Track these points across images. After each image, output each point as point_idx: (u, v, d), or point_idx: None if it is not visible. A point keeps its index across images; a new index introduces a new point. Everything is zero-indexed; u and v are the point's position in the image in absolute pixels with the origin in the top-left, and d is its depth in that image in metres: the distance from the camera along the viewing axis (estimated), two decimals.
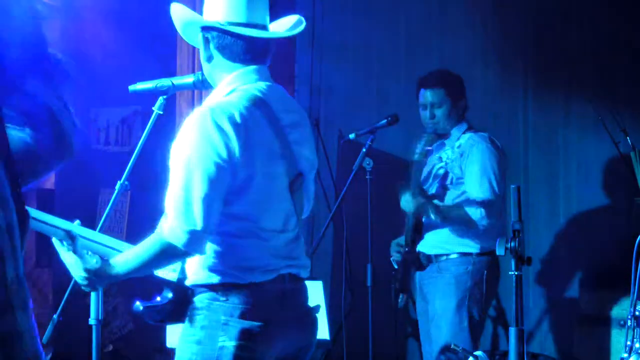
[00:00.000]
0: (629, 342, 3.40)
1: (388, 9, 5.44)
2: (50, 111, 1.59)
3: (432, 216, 4.14)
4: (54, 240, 2.58)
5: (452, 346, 3.82)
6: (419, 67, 4.83)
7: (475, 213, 4.11)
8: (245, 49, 2.56)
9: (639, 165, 4.11)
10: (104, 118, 6.19)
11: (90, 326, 2.73)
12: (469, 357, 3.69)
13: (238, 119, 2.43)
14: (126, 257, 2.51)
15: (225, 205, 2.45)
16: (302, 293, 2.62)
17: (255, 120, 2.48)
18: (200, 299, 2.49)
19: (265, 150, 2.50)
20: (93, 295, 2.70)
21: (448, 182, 4.25)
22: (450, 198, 4.24)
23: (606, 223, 4.95)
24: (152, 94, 2.78)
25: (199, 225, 2.38)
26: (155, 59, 5.17)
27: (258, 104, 2.51)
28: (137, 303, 2.61)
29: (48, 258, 6.79)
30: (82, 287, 2.57)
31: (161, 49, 5.24)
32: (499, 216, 4.19)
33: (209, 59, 2.58)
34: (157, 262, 2.48)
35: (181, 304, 2.54)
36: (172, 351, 3.47)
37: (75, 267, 2.53)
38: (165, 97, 2.76)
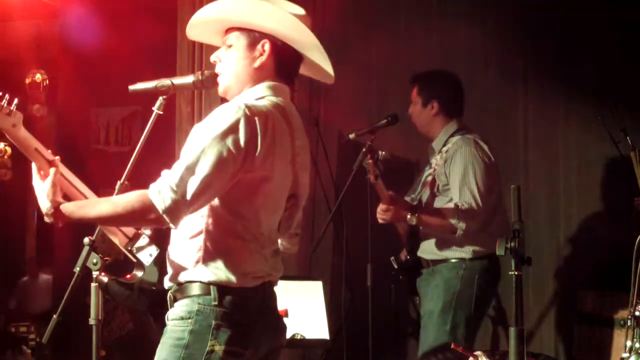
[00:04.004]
0: (629, 342, 3.40)
1: (388, 9, 5.44)
2: None
3: (409, 220, 4.14)
4: (33, 166, 2.63)
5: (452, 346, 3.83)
6: (419, 67, 4.82)
7: (454, 218, 4.10)
8: (297, 69, 2.67)
9: (639, 165, 4.10)
10: (104, 118, 6.19)
11: (91, 326, 2.73)
12: (468, 357, 3.69)
13: (269, 122, 2.48)
14: (100, 201, 2.54)
15: (236, 203, 2.47)
16: (275, 298, 2.65)
17: (281, 130, 2.53)
18: (190, 302, 2.48)
19: (283, 160, 2.54)
20: (93, 295, 2.70)
21: (435, 189, 4.25)
22: (438, 205, 4.24)
23: (606, 223, 4.94)
24: (152, 94, 2.78)
25: (187, 196, 2.38)
26: (155, 59, 5.16)
27: (284, 118, 2.56)
28: (102, 274, 2.64)
29: (48, 258, 6.80)
30: (45, 218, 2.57)
31: (161, 48, 5.24)
32: (484, 222, 4.14)
33: (261, 64, 2.60)
34: (129, 216, 2.46)
35: (154, 295, 2.56)
36: None
37: (46, 196, 2.54)
38: (165, 97, 2.76)
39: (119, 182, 2.74)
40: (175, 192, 2.38)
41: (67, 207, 2.54)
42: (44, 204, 2.56)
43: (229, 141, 2.40)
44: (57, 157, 2.65)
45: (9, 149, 5.51)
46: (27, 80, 6.23)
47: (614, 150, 4.37)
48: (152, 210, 2.40)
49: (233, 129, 2.42)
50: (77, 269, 2.65)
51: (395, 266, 4.36)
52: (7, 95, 2.59)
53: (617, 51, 4.93)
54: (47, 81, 6.25)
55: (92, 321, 2.71)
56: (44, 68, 6.28)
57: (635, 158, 4.11)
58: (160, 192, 2.39)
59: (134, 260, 2.70)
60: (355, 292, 4.63)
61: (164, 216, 2.39)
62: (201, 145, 2.41)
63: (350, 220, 4.67)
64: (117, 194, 2.68)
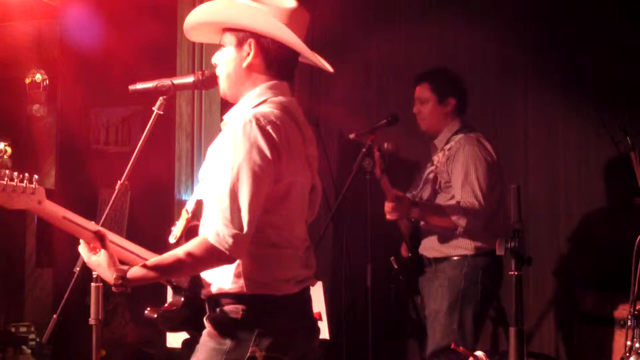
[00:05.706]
0: (629, 342, 3.40)
1: (388, 8, 5.44)
2: None
3: (414, 215, 4.15)
4: (81, 243, 2.55)
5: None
6: (419, 66, 4.83)
7: (456, 216, 4.10)
8: (294, 65, 2.63)
9: (639, 165, 4.11)
10: (104, 118, 6.20)
11: (90, 326, 2.73)
12: (468, 357, 3.69)
13: (280, 127, 2.46)
14: (164, 258, 2.47)
15: (267, 214, 2.46)
16: (311, 302, 2.66)
17: (292, 133, 2.52)
18: (234, 309, 2.48)
19: (300, 161, 2.54)
20: (93, 295, 2.69)
21: (437, 186, 4.25)
22: (440, 202, 4.24)
23: (606, 223, 4.95)
24: (152, 94, 2.78)
25: (244, 229, 2.38)
26: (155, 59, 5.17)
27: (290, 117, 2.54)
28: (148, 309, 2.60)
29: (48, 258, 6.80)
30: (114, 288, 2.50)
31: (161, 48, 5.24)
32: (486, 220, 4.14)
33: (249, 64, 2.58)
34: (198, 266, 2.46)
35: (196, 311, 2.54)
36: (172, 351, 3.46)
37: (107, 269, 2.49)
38: (165, 97, 2.76)
39: (119, 182, 2.74)
40: (232, 229, 2.38)
41: (135, 274, 2.48)
42: (108, 276, 2.50)
43: (256, 158, 2.39)
44: (100, 227, 2.57)
45: (9, 149, 5.51)
46: (27, 80, 6.23)
47: (614, 150, 4.37)
48: (217, 253, 2.39)
49: (254, 145, 2.40)
50: (77, 269, 2.64)
51: (395, 266, 4.35)
52: (26, 174, 2.53)
53: (617, 51, 4.93)
54: (47, 81, 6.25)
55: (92, 321, 2.70)
56: (44, 68, 6.28)
57: (635, 158, 4.11)
58: (219, 234, 2.39)
59: (171, 287, 2.67)
60: (355, 292, 4.63)
61: (233, 255, 2.39)
62: (233, 171, 2.40)
63: (350, 220, 4.67)
64: (116, 194, 2.67)
